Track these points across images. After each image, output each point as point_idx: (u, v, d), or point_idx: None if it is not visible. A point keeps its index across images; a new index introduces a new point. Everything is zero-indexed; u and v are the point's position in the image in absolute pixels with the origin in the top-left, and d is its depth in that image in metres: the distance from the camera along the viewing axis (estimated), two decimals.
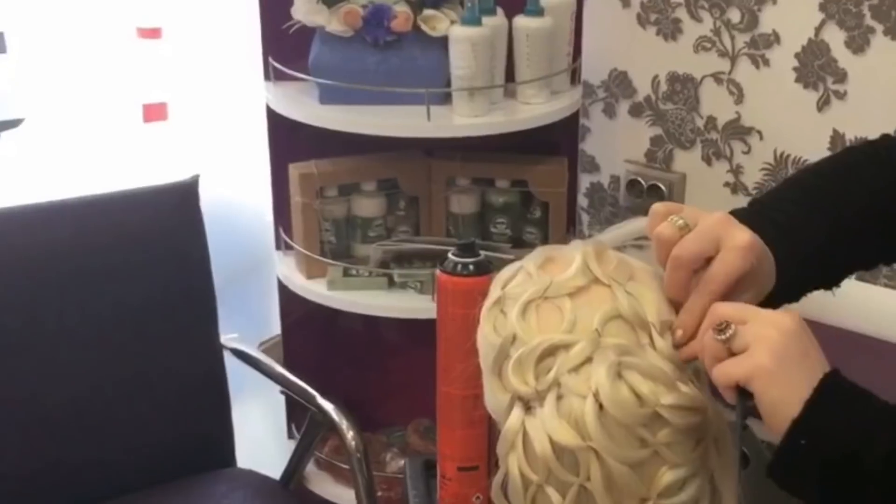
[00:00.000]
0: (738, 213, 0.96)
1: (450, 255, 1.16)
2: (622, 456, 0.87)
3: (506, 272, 1.00)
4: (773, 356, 0.84)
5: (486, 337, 0.96)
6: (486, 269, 1.14)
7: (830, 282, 1.04)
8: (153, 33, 2.43)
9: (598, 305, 0.91)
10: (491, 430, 1.15)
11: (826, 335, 0.96)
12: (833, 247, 1.00)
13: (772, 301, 0.95)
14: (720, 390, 0.88)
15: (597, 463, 0.87)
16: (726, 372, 0.86)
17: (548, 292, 0.93)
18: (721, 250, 0.90)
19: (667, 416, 0.88)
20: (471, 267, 1.15)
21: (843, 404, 0.84)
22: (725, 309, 0.88)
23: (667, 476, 0.89)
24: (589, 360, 0.88)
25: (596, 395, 0.87)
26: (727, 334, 0.86)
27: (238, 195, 2.47)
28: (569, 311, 0.91)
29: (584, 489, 0.88)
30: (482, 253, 1.17)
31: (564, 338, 0.90)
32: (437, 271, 1.16)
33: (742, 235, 0.91)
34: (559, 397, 0.89)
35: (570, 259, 0.95)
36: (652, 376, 0.88)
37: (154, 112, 2.50)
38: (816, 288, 1.03)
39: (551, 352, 0.90)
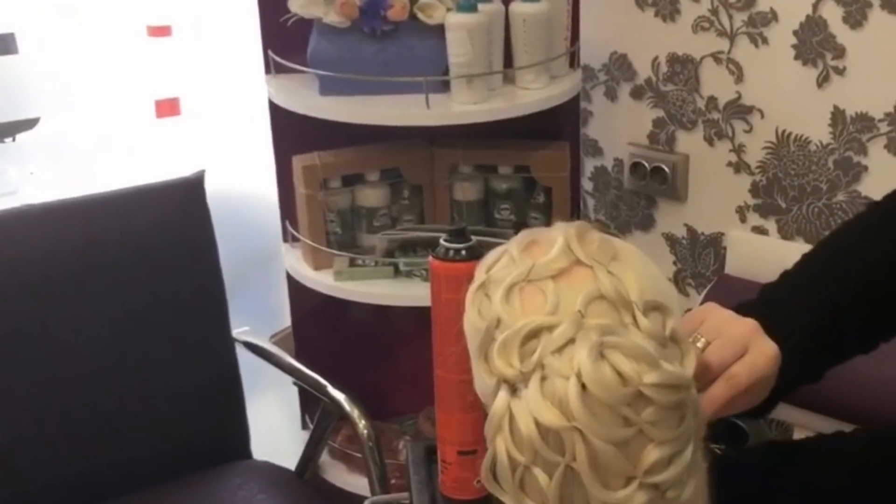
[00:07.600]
0: (747, 308, 1.04)
1: (441, 240, 1.17)
2: (607, 435, 0.87)
3: (490, 256, 1.01)
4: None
5: (472, 321, 0.96)
6: (478, 254, 1.14)
7: (816, 377, 1.08)
8: (163, 31, 2.45)
9: (581, 286, 0.91)
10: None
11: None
12: (826, 337, 1.06)
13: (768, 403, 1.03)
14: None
15: (582, 443, 0.87)
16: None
17: (530, 275, 0.93)
18: (749, 353, 0.99)
19: (650, 394, 0.88)
20: (462, 252, 1.15)
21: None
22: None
23: (653, 454, 0.89)
24: (572, 341, 0.89)
25: (578, 376, 0.87)
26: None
27: (246, 189, 2.49)
28: (551, 293, 0.91)
29: (571, 469, 0.88)
30: (474, 238, 1.17)
31: (547, 320, 0.90)
32: (430, 257, 1.17)
33: (770, 346, 1.00)
34: (543, 379, 0.89)
35: (553, 241, 0.95)
36: (634, 355, 0.88)
37: (167, 108, 2.52)
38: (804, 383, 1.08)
39: (535, 334, 0.90)
